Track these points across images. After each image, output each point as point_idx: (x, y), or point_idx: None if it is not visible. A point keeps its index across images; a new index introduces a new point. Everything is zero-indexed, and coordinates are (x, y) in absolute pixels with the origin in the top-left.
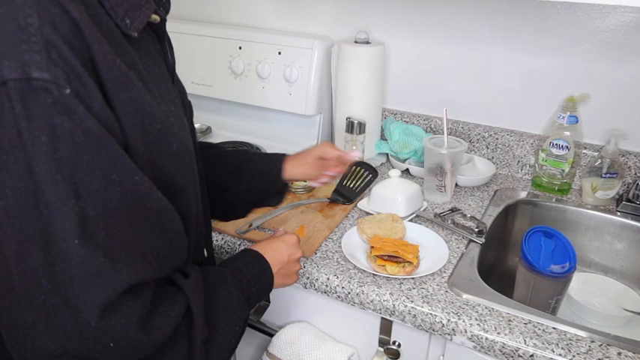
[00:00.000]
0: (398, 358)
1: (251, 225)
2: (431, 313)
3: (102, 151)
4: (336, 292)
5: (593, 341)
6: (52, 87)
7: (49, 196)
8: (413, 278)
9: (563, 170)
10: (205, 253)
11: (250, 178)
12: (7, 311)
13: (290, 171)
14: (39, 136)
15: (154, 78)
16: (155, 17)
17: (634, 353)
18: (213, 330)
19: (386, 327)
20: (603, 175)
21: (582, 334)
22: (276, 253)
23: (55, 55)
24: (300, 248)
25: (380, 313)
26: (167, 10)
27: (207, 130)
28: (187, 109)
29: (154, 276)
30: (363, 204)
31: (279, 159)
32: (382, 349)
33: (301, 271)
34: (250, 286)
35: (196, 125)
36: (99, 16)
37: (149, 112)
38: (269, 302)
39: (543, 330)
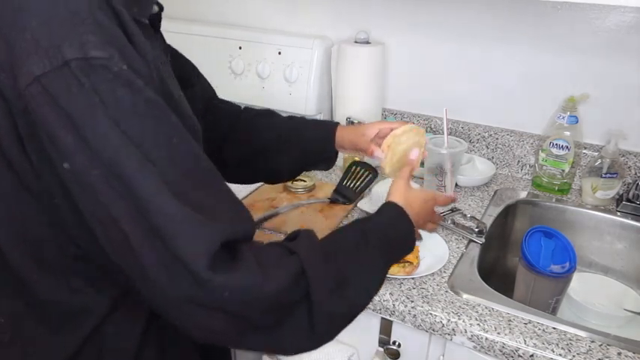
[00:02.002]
0: (398, 358)
1: None
2: (431, 313)
3: (163, 117)
4: None
5: (593, 341)
6: (110, 64)
7: (128, 162)
8: (413, 278)
9: (563, 170)
10: None
11: (302, 146)
12: (133, 267)
13: (341, 140)
14: (107, 108)
15: (161, 63)
16: (155, 8)
17: (634, 353)
18: (347, 287)
19: (386, 327)
20: (603, 175)
21: (582, 334)
22: (415, 208)
23: (108, 35)
24: (434, 201)
25: (380, 313)
26: (161, 7)
27: None
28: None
29: (247, 231)
30: (363, 204)
31: (332, 128)
32: (382, 349)
33: None
34: (393, 249)
35: None
36: (117, 5)
37: (169, 91)
38: None
39: (543, 330)
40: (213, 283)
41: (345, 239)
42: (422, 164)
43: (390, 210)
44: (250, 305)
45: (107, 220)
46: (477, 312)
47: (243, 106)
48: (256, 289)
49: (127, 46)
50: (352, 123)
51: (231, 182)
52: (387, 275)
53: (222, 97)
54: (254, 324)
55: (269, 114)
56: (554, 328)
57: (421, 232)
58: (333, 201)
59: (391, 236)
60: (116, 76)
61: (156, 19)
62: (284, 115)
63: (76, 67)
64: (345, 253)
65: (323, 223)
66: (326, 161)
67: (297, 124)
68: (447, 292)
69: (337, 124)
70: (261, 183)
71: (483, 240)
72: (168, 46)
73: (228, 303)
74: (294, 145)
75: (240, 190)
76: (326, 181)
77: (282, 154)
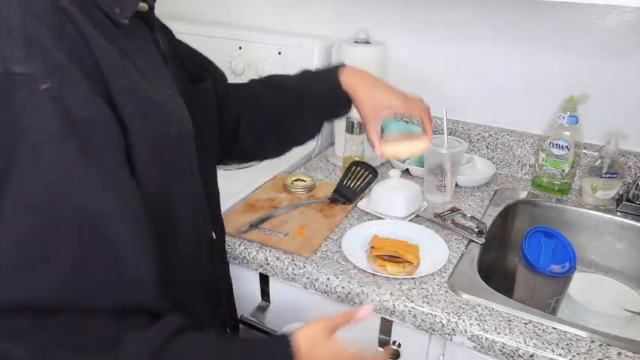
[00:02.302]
0: (398, 358)
1: (251, 225)
2: (431, 313)
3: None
4: (336, 292)
5: (593, 341)
6: (28, 81)
7: (11, 187)
8: (413, 278)
9: (563, 170)
10: (214, 235)
11: (311, 102)
12: None
13: (349, 85)
14: (11, 129)
15: (147, 65)
16: (143, 5)
17: (634, 353)
18: None
19: (386, 327)
20: (603, 175)
21: (582, 334)
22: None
23: (37, 49)
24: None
25: (380, 313)
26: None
27: None
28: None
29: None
30: (363, 204)
31: (332, 74)
32: (382, 349)
33: (301, 271)
34: None
35: None
36: (87, 7)
37: (147, 97)
38: (269, 302)
39: (543, 330)
40: None
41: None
42: (422, 164)
43: (278, 345)
44: None
45: None
46: (476, 312)
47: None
48: None
49: (62, 59)
50: (352, 123)
51: (264, 159)
52: (388, 275)
53: None
54: None
55: (270, 80)
56: (554, 328)
57: (422, 232)
58: (333, 201)
59: None
60: (28, 97)
61: (148, 19)
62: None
63: None
64: None
65: (323, 223)
66: (343, 108)
67: (300, 81)
68: (447, 292)
69: (340, 66)
70: (261, 183)
71: (483, 240)
72: (176, 43)
73: None
74: (305, 104)
75: (240, 190)
76: (326, 181)
77: (296, 116)
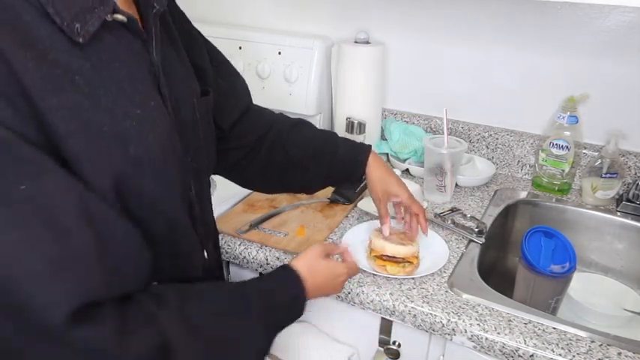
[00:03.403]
0: (398, 358)
1: (251, 225)
2: (431, 313)
3: (6, 159)
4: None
5: (593, 341)
6: None
7: None
8: (413, 278)
9: (563, 170)
10: (206, 254)
11: (332, 164)
12: None
13: (371, 167)
14: None
15: (114, 81)
16: (119, 17)
17: (634, 353)
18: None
19: (386, 327)
20: (603, 175)
21: (582, 334)
22: (317, 278)
23: None
24: (345, 273)
25: (380, 313)
26: (163, 6)
27: None
28: (193, 107)
29: (113, 290)
30: (363, 204)
31: (365, 151)
32: (382, 349)
33: None
34: (277, 313)
35: None
36: (31, 23)
37: (87, 117)
38: None
39: (543, 330)
40: (69, 341)
41: (221, 306)
42: (422, 164)
43: (282, 273)
44: None
45: None
46: (476, 312)
47: (278, 112)
48: (112, 357)
49: None
50: (352, 123)
51: (256, 191)
52: (388, 275)
53: None
54: None
55: (303, 126)
56: (554, 328)
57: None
58: (333, 201)
59: (277, 300)
60: None
61: (133, 28)
62: (290, 115)
63: None
64: (218, 323)
65: (323, 223)
66: (353, 182)
67: (330, 140)
68: (447, 292)
69: (369, 147)
70: None
71: (483, 240)
72: (197, 51)
73: None
74: (326, 162)
75: (240, 190)
76: None
77: (312, 170)
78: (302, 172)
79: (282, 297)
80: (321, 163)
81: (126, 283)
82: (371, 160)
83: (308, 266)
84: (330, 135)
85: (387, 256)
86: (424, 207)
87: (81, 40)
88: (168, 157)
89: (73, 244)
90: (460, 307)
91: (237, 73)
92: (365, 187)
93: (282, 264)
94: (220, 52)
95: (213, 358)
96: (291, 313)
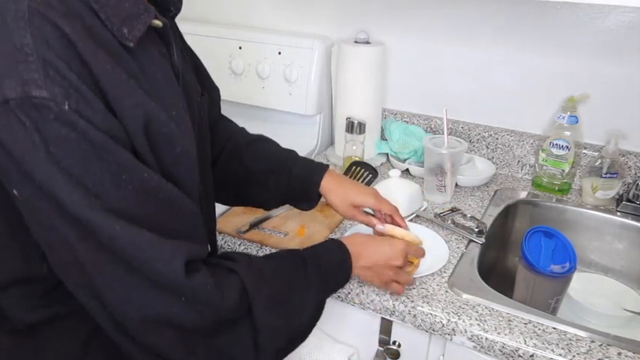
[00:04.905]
0: (398, 358)
1: (251, 225)
2: (431, 313)
3: (108, 156)
4: (336, 292)
5: (593, 341)
6: (51, 104)
7: (71, 199)
8: (413, 278)
9: (563, 170)
10: (209, 247)
11: (288, 182)
12: (86, 290)
13: (326, 188)
14: (49, 146)
15: (155, 84)
16: (157, 23)
17: (634, 353)
18: (284, 305)
19: (386, 327)
20: (603, 175)
21: (582, 334)
22: (368, 250)
23: (53, 72)
24: (402, 258)
25: (380, 313)
26: (178, 10)
27: None
28: (198, 107)
29: (196, 253)
30: None
31: (320, 171)
32: (382, 349)
33: None
34: (328, 273)
35: None
36: (95, 27)
37: (155, 116)
38: None
39: (543, 330)
40: (192, 288)
41: (284, 263)
42: (422, 164)
43: (330, 244)
44: (208, 319)
45: (57, 245)
46: (476, 312)
47: (241, 126)
48: (217, 304)
49: (75, 81)
50: (352, 123)
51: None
52: None
53: (222, 98)
54: (204, 340)
55: (263, 142)
56: (554, 328)
57: (422, 232)
58: None
59: (326, 266)
60: (57, 117)
61: (165, 34)
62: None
63: (16, 105)
64: (282, 276)
65: (323, 222)
66: (308, 202)
67: (288, 159)
68: (447, 292)
69: (326, 168)
70: None
71: (483, 240)
72: (192, 54)
73: (188, 307)
74: (282, 180)
75: None
76: None
77: (268, 187)
78: (258, 187)
79: (329, 264)
80: (276, 179)
81: (203, 245)
82: (325, 180)
83: (359, 241)
84: (289, 153)
85: None
86: (424, 206)
87: (132, 44)
88: (195, 156)
89: (173, 215)
90: (460, 307)
91: (215, 86)
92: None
93: None
94: (200, 60)
95: (279, 303)
96: (339, 277)
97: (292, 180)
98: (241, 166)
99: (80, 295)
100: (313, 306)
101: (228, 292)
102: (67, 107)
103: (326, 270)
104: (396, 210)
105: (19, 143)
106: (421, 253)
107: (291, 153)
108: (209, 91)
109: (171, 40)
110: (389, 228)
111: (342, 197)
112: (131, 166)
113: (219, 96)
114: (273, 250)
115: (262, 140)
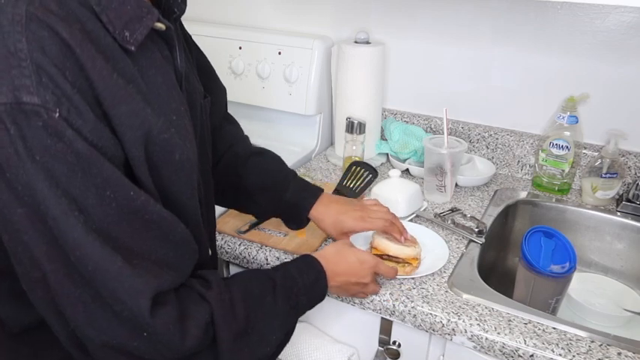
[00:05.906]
0: (398, 358)
1: (251, 225)
2: (431, 313)
3: (93, 169)
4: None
5: (593, 341)
6: (41, 111)
7: (54, 209)
8: (413, 278)
9: (563, 170)
10: (209, 252)
11: (279, 204)
12: (49, 306)
13: (316, 217)
14: (34, 155)
15: (155, 88)
16: (159, 25)
17: (634, 353)
18: (249, 335)
19: (386, 327)
20: (603, 175)
21: (582, 334)
22: (339, 267)
23: (46, 78)
24: (370, 276)
25: (380, 313)
26: (182, 11)
27: None
28: (201, 110)
29: (170, 283)
30: None
31: (311, 198)
32: (382, 349)
33: None
34: (300, 294)
35: None
36: (95, 31)
37: (152, 123)
38: None
39: (543, 330)
40: (154, 327)
41: (253, 288)
42: (422, 164)
43: (302, 262)
44: (167, 357)
45: (26, 260)
46: (476, 312)
47: (245, 134)
48: (177, 345)
49: (68, 89)
50: (352, 123)
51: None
52: None
53: None
54: None
55: (262, 156)
56: (554, 328)
57: (422, 232)
58: None
59: (298, 287)
60: (45, 125)
61: (168, 37)
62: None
63: (4, 111)
64: (251, 303)
65: None
66: (297, 223)
67: (283, 181)
68: (447, 292)
69: (319, 194)
70: None
71: (483, 240)
72: (198, 55)
73: (147, 344)
74: (273, 200)
75: None
76: (326, 181)
77: (259, 203)
78: (250, 201)
79: (305, 281)
80: (268, 198)
81: (184, 274)
82: (314, 209)
83: (335, 253)
84: (285, 174)
85: (388, 255)
86: (424, 206)
87: (133, 48)
88: (195, 161)
89: (160, 238)
90: (460, 307)
91: (222, 85)
92: (367, 186)
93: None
94: (208, 60)
95: (245, 334)
96: (313, 297)
97: (283, 203)
98: (236, 178)
99: (42, 309)
100: (282, 332)
101: (192, 330)
102: (57, 115)
103: (298, 291)
104: (391, 223)
105: (1, 150)
106: (391, 274)
107: (288, 174)
108: (216, 91)
109: (174, 42)
110: (383, 246)
111: (332, 225)
112: (116, 182)
113: (226, 96)
114: (274, 250)
115: (262, 154)
